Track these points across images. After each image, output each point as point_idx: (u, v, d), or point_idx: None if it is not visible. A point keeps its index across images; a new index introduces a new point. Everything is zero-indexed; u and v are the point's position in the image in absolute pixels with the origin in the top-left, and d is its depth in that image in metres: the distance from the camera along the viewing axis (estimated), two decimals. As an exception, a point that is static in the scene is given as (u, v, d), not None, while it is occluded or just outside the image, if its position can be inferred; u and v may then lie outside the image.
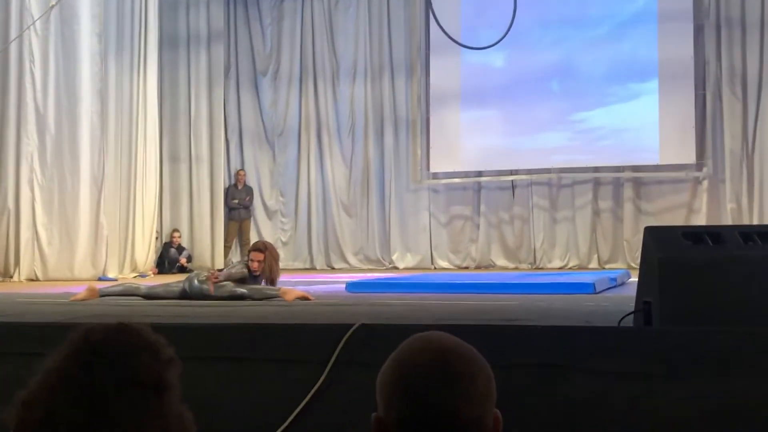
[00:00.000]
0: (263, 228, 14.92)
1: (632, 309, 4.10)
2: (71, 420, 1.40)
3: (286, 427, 3.15)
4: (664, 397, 3.07)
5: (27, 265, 10.82)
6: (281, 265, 13.56)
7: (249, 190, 14.62)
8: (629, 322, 4.02)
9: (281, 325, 3.97)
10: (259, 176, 15.06)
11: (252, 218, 14.84)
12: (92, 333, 1.51)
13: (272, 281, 6.91)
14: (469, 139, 14.24)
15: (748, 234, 4.04)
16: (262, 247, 7.05)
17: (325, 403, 3.28)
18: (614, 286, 8.13)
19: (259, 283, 6.86)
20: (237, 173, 14.58)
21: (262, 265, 6.78)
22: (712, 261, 3.90)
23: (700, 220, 13.11)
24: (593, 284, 7.23)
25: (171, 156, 14.12)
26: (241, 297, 6.63)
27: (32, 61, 10.88)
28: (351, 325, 3.59)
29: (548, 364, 3.32)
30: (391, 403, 1.34)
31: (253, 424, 3.20)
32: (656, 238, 4.03)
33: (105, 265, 11.36)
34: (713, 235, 4.04)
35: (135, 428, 1.43)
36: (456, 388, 1.32)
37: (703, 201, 13.17)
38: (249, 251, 7.13)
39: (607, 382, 3.19)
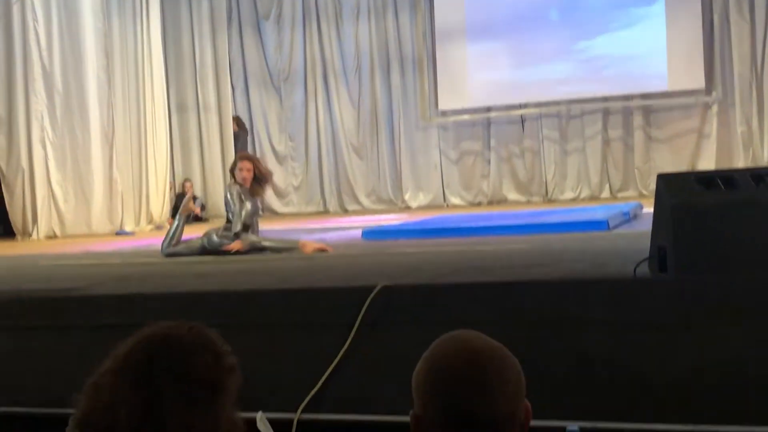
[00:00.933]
0: (274, 173, 14.85)
1: (646, 247, 4.16)
2: (131, 406, 1.49)
3: (317, 391, 3.26)
4: (679, 348, 3.16)
5: (45, 223, 10.95)
6: (295, 209, 13.74)
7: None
8: (644, 266, 4.11)
9: (306, 289, 4.06)
10: (266, 121, 15.08)
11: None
12: (164, 328, 1.59)
13: (264, 183, 6.89)
14: (477, 74, 14.18)
15: (761, 176, 4.08)
16: (246, 156, 7.09)
17: (352, 365, 3.39)
18: (627, 221, 8.18)
19: (256, 202, 6.87)
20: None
21: (251, 173, 6.72)
22: (725, 205, 3.93)
23: (711, 144, 13.12)
24: (606, 221, 7.29)
25: (179, 106, 14.14)
26: (261, 249, 6.70)
27: (35, 20, 10.86)
28: (373, 287, 3.68)
29: (565, 317, 3.41)
30: (428, 403, 1.43)
31: (284, 390, 3.31)
32: (669, 184, 4.07)
33: (121, 219, 11.48)
34: (725, 179, 4.07)
35: (186, 421, 1.52)
36: (488, 388, 1.40)
37: (713, 126, 13.15)
38: (234, 163, 6.97)
39: (622, 333, 3.28)
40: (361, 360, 3.40)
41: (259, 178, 6.82)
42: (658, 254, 4.01)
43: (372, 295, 3.62)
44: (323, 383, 3.29)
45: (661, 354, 3.17)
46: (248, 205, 6.72)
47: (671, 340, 3.22)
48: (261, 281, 4.97)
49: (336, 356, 3.39)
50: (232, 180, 6.87)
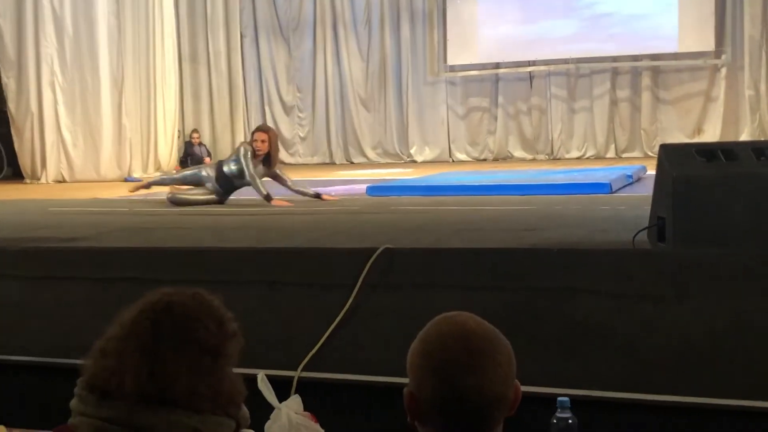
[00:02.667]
0: (281, 123, 15.01)
1: (647, 213, 4.23)
2: (137, 369, 1.57)
3: (317, 350, 3.34)
4: (674, 319, 3.24)
5: (54, 167, 11.03)
6: (301, 160, 13.79)
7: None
8: (643, 235, 4.17)
9: (310, 249, 4.14)
10: (275, 71, 15.06)
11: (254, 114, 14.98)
12: (167, 295, 1.66)
13: (272, 162, 7.09)
14: (487, 30, 14.12)
15: (762, 150, 4.12)
16: (266, 128, 7.33)
17: (353, 325, 3.47)
18: (630, 184, 8.23)
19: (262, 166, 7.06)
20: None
21: (266, 144, 6.99)
22: (725, 177, 3.97)
23: (718, 107, 13.10)
24: (609, 184, 7.35)
25: (190, 55, 14.14)
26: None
27: (46, -38, 10.84)
28: (376, 249, 3.75)
29: (562, 285, 3.48)
30: (421, 382, 1.50)
31: (285, 348, 3.39)
32: (670, 155, 4.12)
33: (130, 165, 11.54)
34: (726, 152, 4.12)
35: (190, 385, 1.60)
36: (480, 369, 1.47)
37: (721, 89, 13.12)
38: (253, 132, 7.34)
39: (618, 302, 3.35)
40: (361, 320, 3.48)
41: (271, 156, 6.98)
42: (657, 224, 4.08)
43: (374, 256, 3.69)
44: (323, 342, 3.37)
45: (656, 324, 3.24)
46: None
47: (667, 310, 3.29)
48: (265, 237, 5.05)
49: (337, 316, 3.46)
50: (250, 140, 7.14)
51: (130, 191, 7.66)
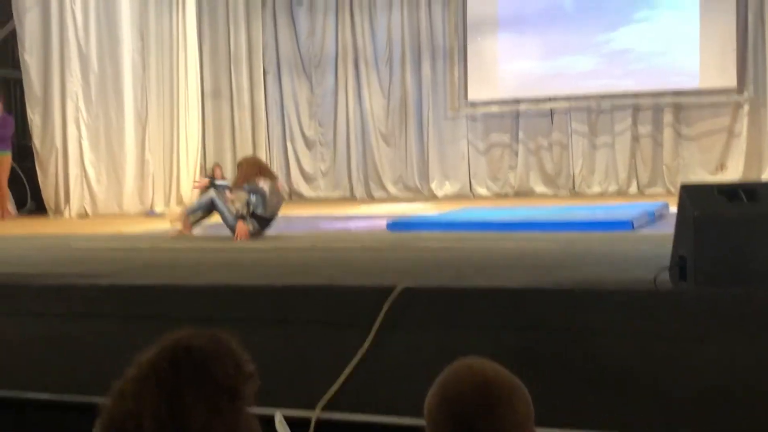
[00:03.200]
0: (303, 158, 15.11)
1: (669, 252, 4.21)
2: (156, 411, 1.57)
3: (335, 390, 3.33)
4: (696, 360, 3.21)
5: (77, 201, 11.12)
6: (322, 194, 13.83)
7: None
8: (664, 274, 4.15)
9: (329, 287, 4.14)
10: (297, 107, 15.17)
11: (282, 153, 15.08)
12: (186, 337, 1.66)
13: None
14: (507, 66, 14.18)
15: (784, 190, 4.10)
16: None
17: (372, 365, 3.46)
18: (652, 221, 8.19)
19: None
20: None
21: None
22: (747, 218, 3.96)
23: (741, 144, 13.05)
24: (631, 221, 7.32)
25: (213, 90, 14.28)
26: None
27: (73, 1, 11.01)
28: (394, 287, 3.75)
29: (584, 326, 3.46)
30: (439, 428, 1.50)
31: (303, 388, 3.39)
32: (691, 195, 4.10)
33: (152, 200, 11.62)
34: (748, 191, 4.10)
35: (207, 426, 1.60)
36: (498, 416, 1.47)
37: (743, 125, 13.07)
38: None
39: (639, 343, 3.32)
40: (380, 361, 3.47)
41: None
42: (679, 264, 4.06)
43: (393, 295, 3.69)
44: (342, 383, 3.36)
45: (678, 366, 3.22)
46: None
47: (688, 352, 3.27)
48: (284, 274, 5.06)
49: (355, 356, 3.46)
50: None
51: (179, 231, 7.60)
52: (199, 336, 1.69)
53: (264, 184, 7.35)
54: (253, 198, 7.30)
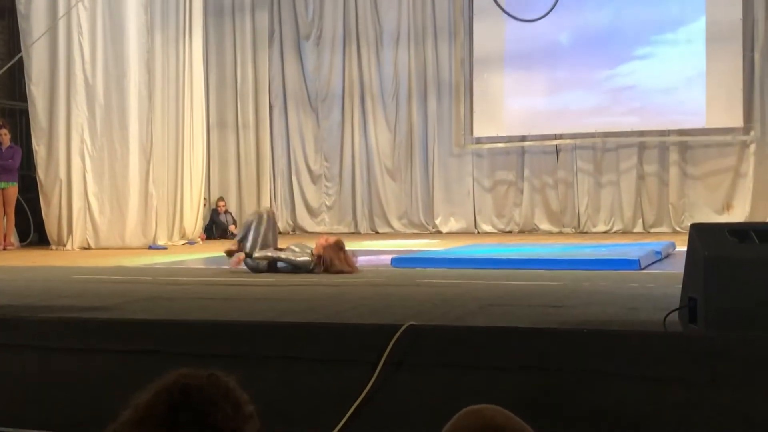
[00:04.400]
0: (308, 192, 15.11)
1: (676, 292, 4.14)
2: None
3: (339, 429, 3.26)
4: (705, 404, 3.14)
5: (80, 234, 11.09)
6: (326, 229, 13.79)
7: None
8: (674, 315, 4.08)
9: (332, 324, 4.08)
10: (303, 141, 15.19)
11: (287, 186, 15.07)
12: (185, 377, 1.61)
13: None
14: (513, 103, 14.20)
15: (795, 232, 4.04)
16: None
17: (376, 404, 3.39)
18: (659, 260, 8.13)
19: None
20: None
21: None
22: (758, 259, 3.90)
23: (747, 183, 13.01)
24: (638, 261, 7.25)
25: (218, 123, 14.31)
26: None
27: (80, 33, 11.05)
28: (400, 326, 3.68)
29: (591, 368, 3.39)
30: (447, 475, 1.44)
31: (305, 427, 3.32)
32: (701, 235, 4.04)
33: (155, 233, 11.57)
34: (760, 232, 4.05)
35: None
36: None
37: (750, 165, 13.04)
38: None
39: (651, 388, 3.25)
40: (384, 400, 3.40)
41: None
42: (689, 305, 3.99)
43: (398, 333, 3.63)
44: (346, 422, 3.29)
45: (689, 410, 3.15)
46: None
47: (699, 396, 3.20)
48: (288, 309, 4.99)
49: (359, 395, 3.39)
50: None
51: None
52: (196, 376, 1.63)
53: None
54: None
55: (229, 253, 7.41)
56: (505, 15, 11.38)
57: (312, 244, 7.37)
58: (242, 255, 7.15)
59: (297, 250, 7.22)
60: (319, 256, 7.07)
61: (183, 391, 1.59)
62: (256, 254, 7.12)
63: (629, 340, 3.57)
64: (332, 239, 7.19)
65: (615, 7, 13.65)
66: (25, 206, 11.82)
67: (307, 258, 7.08)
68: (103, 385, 3.84)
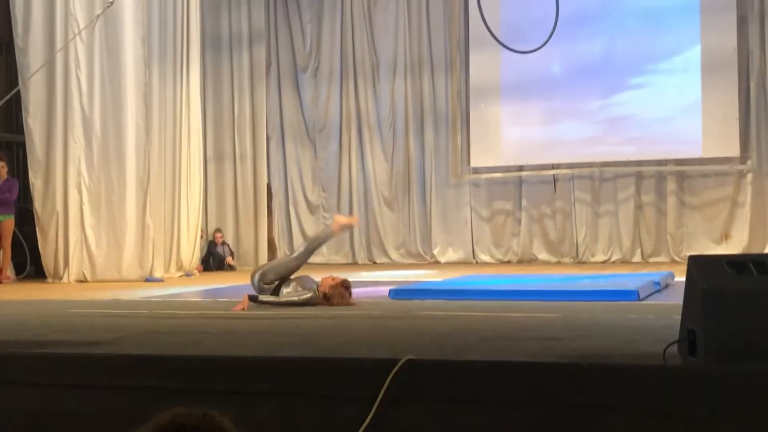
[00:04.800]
0: (305, 222, 15.11)
1: (676, 323, 4.12)
2: None
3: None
4: (708, 439, 3.11)
5: (76, 266, 11.04)
6: (324, 259, 13.76)
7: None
8: (673, 347, 4.06)
9: (328, 359, 4.05)
10: (300, 172, 15.22)
11: (284, 216, 15.07)
12: (180, 417, 1.60)
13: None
14: (510, 133, 14.25)
15: (794, 263, 4.02)
16: None
17: (373, 441, 3.36)
18: (658, 291, 8.11)
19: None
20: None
21: None
22: (756, 291, 3.88)
23: (745, 213, 13.02)
24: (637, 292, 7.23)
25: (216, 155, 14.32)
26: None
27: (78, 66, 11.06)
28: (397, 360, 3.65)
29: (591, 402, 3.36)
30: None
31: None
32: (700, 267, 4.02)
33: (152, 265, 11.53)
34: (758, 264, 4.03)
35: None
36: None
37: (747, 194, 13.06)
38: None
39: (650, 422, 3.23)
40: (382, 435, 3.37)
41: None
42: (688, 338, 3.96)
43: (396, 368, 3.60)
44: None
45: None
46: None
47: (698, 429, 3.18)
48: (283, 343, 4.95)
49: (356, 431, 3.36)
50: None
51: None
52: (191, 416, 1.62)
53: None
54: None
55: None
56: (501, 46, 11.45)
57: (316, 278, 7.37)
58: (246, 300, 7.00)
59: (300, 289, 7.18)
60: (324, 294, 7.04)
61: (177, 430, 1.58)
62: (262, 298, 7.09)
63: (629, 373, 3.54)
64: (339, 279, 7.16)
65: (609, 37, 13.73)
66: (22, 239, 11.78)
67: (310, 295, 7.05)
68: (99, 421, 3.80)
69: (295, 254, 7.61)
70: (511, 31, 12.70)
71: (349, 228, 6.99)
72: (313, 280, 7.36)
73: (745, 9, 13.01)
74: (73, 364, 4.22)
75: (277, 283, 7.21)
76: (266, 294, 7.13)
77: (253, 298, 7.03)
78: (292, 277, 7.36)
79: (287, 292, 7.14)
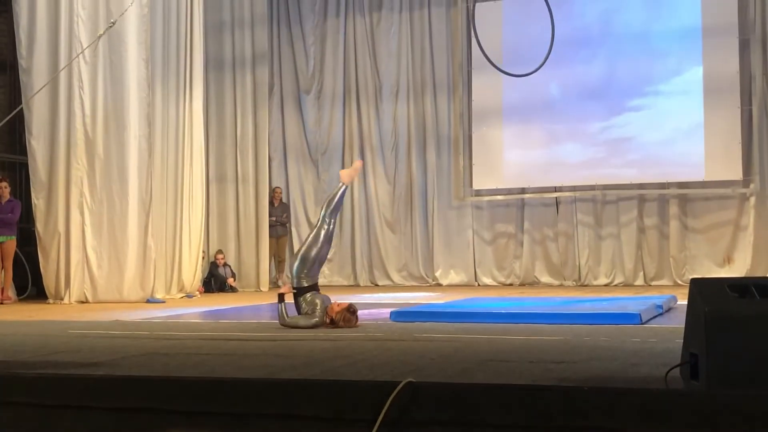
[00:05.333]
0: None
1: (678, 346, 4.11)
2: None
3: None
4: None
5: (77, 287, 11.03)
6: (326, 281, 13.73)
7: (285, 208, 14.77)
8: (675, 371, 4.04)
9: (328, 381, 4.03)
10: (303, 193, 15.23)
11: (289, 235, 15.00)
12: None
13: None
14: (512, 156, 14.26)
15: (796, 286, 4.01)
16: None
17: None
18: (660, 314, 8.08)
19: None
20: (273, 190, 14.69)
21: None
22: (759, 315, 3.87)
23: (748, 237, 13.00)
24: (639, 315, 7.21)
25: (218, 176, 14.33)
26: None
27: (81, 87, 11.11)
28: (398, 383, 3.63)
29: (595, 427, 3.34)
30: None
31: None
32: (702, 290, 4.01)
33: (153, 286, 11.52)
34: (760, 287, 4.02)
35: None
36: None
37: (750, 217, 13.05)
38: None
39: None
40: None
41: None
42: (690, 361, 3.95)
43: (396, 390, 3.58)
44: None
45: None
46: None
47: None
48: (284, 365, 4.94)
49: (356, 454, 3.34)
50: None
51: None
52: None
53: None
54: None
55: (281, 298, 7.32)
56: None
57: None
58: (289, 288, 7.20)
59: (309, 312, 7.17)
60: (331, 319, 7.05)
61: None
62: (288, 320, 7.09)
63: (630, 397, 3.52)
64: (345, 304, 7.16)
65: (611, 59, 13.76)
66: (24, 260, 11.79)
67: (317, 320, 7.06)
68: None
69: (318, 223, 7.61)
70: (513, 54, 12.77)
71: (356, 172, 7.12)
72: (329, 299, 7.32)
73: (747, 33, 13.06)
74: (73, 385, 4.20)
75: (306, 284, 7.18)
76: (304, 282, 7.15)
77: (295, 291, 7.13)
78: (310, 295, 7.26)
79: (304, 307, 7.15)
